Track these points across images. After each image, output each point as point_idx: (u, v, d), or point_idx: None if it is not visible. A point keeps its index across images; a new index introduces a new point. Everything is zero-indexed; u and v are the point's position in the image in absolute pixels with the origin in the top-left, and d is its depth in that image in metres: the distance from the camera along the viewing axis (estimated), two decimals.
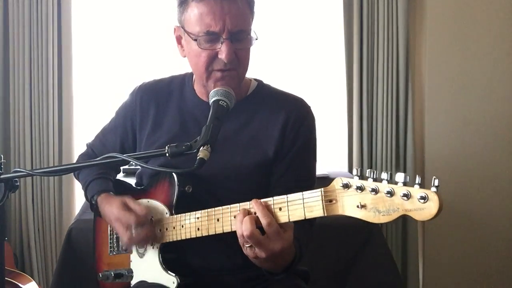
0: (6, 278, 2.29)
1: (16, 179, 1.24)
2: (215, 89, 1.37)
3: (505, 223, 3.18)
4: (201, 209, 1.36)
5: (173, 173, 1.42)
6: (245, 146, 1.48)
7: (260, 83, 1.59)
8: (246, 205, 1.24)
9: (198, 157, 1.21)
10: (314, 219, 1.55)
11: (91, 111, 3.18)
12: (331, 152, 3.15)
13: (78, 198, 3.10)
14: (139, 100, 1.59)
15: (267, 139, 1.48)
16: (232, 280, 1.49)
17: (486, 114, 3.15)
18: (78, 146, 3.07)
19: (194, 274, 1.45)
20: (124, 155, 1.25)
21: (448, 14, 3.12)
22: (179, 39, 1.49)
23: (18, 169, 1.24)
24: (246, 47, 1.43)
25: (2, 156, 1.30)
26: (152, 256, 1.45)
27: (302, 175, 1.51)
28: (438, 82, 3.15)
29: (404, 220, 3.12)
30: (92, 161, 1.44)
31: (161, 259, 1.42)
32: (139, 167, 1.60)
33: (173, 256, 1.44)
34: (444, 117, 3.16)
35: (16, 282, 2.41)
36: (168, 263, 1.42)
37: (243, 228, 1.18)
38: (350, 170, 3.13)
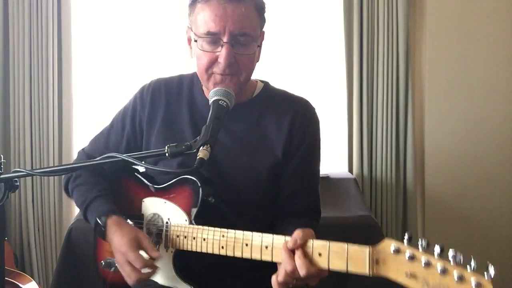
0: (6, 278, 2.29)
1: (16, 179, 1.24)
2: (214, 89, 1.37)
3: (505, 222, 3.17)
4: (217, 218, 1.35)
5: (198, 181, 1.39)
6: (255, 148, 1.48)
7: (266, 84, 1.59)
8: (282, 239, 1.20)
9: (198, 157, 1.20)
10: (319, 217, 1.56)
11: (91, 111, 3.18)
12: (331, 152, 3.15)
13: None
14: (149, 98, 1.58)
15: (275, 140, 1.49)
16: (236, 285, 1.49)
17: (486, 114, 3.15)
18: (78, 146, 3.05)
19: (202, 279, 1.44)
20: (124, 155, 1.24)
21: (448, 14, 3.12)
22: (189, 40, 1.49)
23: (18, 169, 1.24)
24: (248, 53, 1.41)
25: (2, 156, 1.30)
26: (164, 258, 1.42)
27: (307, 176, 1.52)
28: (438, 82, 3.15)
29: (404, 220, 3.12)
30: (92, 161, 1.43)
31: (174, 265, 1.41)
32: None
33: (185, 262, 1.42)
34: (444, 117, 3.16)
35: (16, 282, 2.40)
36: (180, 269, 1.41)
37: (299, 266, 1.16)
38: (350, 170, 3.13)
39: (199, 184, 1.39)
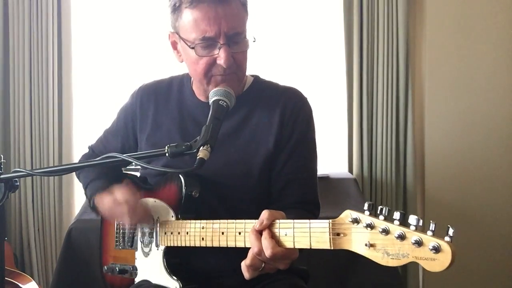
0: (6, 278, 2.29)
1: (16, 179, 1.24)
2: (215, 89, 1.37)
3: (505, 222, 3.17)
4: (207, 212, 1.36)
5: (181, 177, 1.41)
6: (247, 142, 1.47)
7: (256, 78, 1.58)
8: (252, 222, 1.20)
9: (198, 157, 1.20)
10: (318, 210, 1.55)
11: (91, 111, 3.18)
12: (331, 152, 3.15)
13: (78, 198, 3.10)
14: (139, 102, 1.59)
15: (267, 133, 1.48)
16: (231, 282, 1.49)
17: (486, 114, 3.15)
18: (78, 146, 3.08)
19: (195, 276, 1.45)
20: (124, 155, 1.24)
21: (448, 14, 3.12)
22: (174, 45, 1.49)
23: (18, 169, 1.24)
24: (243, 50, 1.42)
25: (2, 156, 1.30)
26: (156, 257, 1.45)
27: (301, 166, 1.49)
28: (438, 82, 3.15)
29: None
30: (92, 161, 1.44)
31: (165, 262, 1.42)
32: (139, 167, 1.60)
33: (176, 259, 1.44)
34: (444, 117, 3.16)
35: (16, 282, 2.41)
36: (171, 267, 1.42)
37: (264, 246, 1.14)
38: (350, 170, 3.13)
39: (182, 179, 1.40)
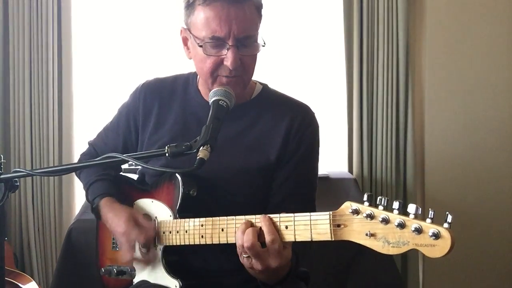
0: (6, 278, 2.29)
1: (16, 179, 1.24)
2: (214, 89, 1.37)
3: (505, 223, 3.18)
4: (204, 213, 1.36)
5: (178, 176, 1.41)
6: (248, 149, 1.47)
7: (265, 87, 1.57)
8: (251, 217, 1.22)
9: (197, 157, 1.21)
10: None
11: (91, 111, 3.18)
12: (331, 152, 3.15)
13: (78, 198, 3.10)
14: (142, 98, 1.57)
15: (270, 143, 1.47)
16: (231, 282, 1.49)
17: (486, 114, 3.15)
18: (78, 146, 3.08)
19: (194, 275, 1.45)
20: (124, 155, 1.24)
21: (448, 14, 3.12)
22: (185, 41, 1.48)
23: (18, 169, 1.24)
24: (253, 54, 1.41)
25: (2, 156, 1.30)
26: (154, 256, 1.45)
27: (302, 182, 1.50)
28: (438, 82, 3.15)
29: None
30: (92, 161, 1.44)
31: (164, 261, 1.42)
32: (139, 166, 1.60)
33: (175, 258, 1.44)
34: (444, 117, 3.16)
35: (16, 282, 2.40)
36: (170, 266, 1.42)
37: (244, 239, 1.18)
38: (350, 170, 3.13)
39: (180, 178, 1.40)
